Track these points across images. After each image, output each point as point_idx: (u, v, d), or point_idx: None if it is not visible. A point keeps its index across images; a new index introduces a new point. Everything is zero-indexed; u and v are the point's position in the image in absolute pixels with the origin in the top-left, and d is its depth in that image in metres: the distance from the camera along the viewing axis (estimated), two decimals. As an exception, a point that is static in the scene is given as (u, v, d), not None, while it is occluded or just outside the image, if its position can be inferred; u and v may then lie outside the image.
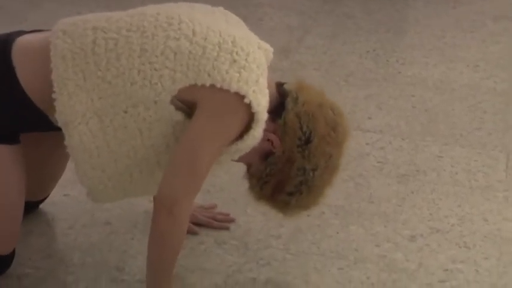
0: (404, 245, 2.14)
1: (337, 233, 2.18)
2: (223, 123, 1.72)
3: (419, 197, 2.36)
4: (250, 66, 1.71)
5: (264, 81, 1.74)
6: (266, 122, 1.76)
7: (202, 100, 1.72)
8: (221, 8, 1.90)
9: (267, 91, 1.74)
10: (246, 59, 1.71)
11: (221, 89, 1.69)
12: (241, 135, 1.76)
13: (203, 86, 1.70)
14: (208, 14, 1.83)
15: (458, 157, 2.59)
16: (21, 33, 1.87)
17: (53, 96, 1.74)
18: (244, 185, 2.33)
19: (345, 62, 3.27)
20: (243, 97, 1.69)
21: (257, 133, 1.75)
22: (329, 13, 3.84)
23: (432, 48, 3.45)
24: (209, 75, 1.69)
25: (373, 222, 2.23)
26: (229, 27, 1.79)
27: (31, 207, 2.10)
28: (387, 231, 2.19)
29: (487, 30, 3.64)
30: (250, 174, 1.89)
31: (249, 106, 1.70)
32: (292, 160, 1.79)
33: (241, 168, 2.35)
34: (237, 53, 1.71)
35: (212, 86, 1.69)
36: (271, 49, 1.86)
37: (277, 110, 1.79)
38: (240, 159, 1.87)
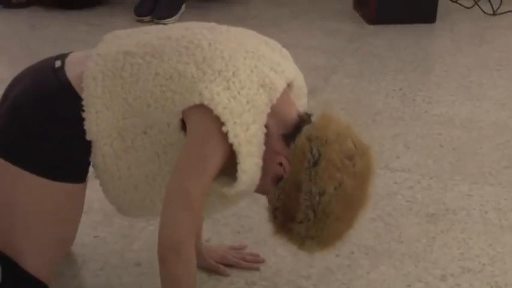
0: (435, 285, 2.12)
1: (368, 273, 2.17)
2: (204, 153, 1.68)
3: (449, 236, 2.35)
4: (241, 100, 1.70)
5: (248, 118, 1.70)
6: (280, 145, 1.75)
7: (188, 126, 1.72)
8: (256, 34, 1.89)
9: (253, 127, 1.71)
10: (239, 92, 1.71)
11: (206, 109, 1.67)
12: (233, 176, 1.72)
13: (194, 106, 1.69)
14: (235, 38, 1.82)
15: (487, 196, 2.57)
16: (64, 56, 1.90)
17: (83, 115, 1.78)
18: (274, 225, 2.35)
19: (372, 101, 3.28)
20: (222, 124, 1.67)
21: (246, 167, 1.70)
22: (354, 52, 3.86)
23: (458, 86, 3.46)
24: (200, 93, 1.69)
25: (403, 262, 2.21)
26: (244, 58, 1.76)
27: None
28: (418, 271, 2.17)
29: (513, 68, 3.65)
30: (268, 202, 1.84)
31: (226, 137, 1.68)
32: (299, 183, 1.73)
33: (270, 208, 2.38)
34: (233, 83, 1.71)
35: (200, 105, 1.68)
36: (280, 89, 1.77)
37: (293, 135, 1.77)
38: (257, 190, 1.83)
